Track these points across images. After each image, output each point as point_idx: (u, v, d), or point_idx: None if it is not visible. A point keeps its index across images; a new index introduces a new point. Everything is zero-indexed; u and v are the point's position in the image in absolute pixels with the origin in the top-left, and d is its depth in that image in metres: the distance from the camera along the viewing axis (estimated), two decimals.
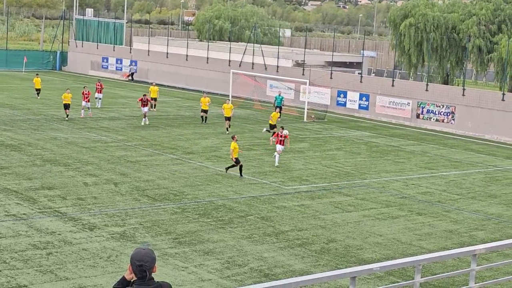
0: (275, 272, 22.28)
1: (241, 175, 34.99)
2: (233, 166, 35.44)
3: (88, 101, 51.36)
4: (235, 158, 35.01)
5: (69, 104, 49.34)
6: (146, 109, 50.06)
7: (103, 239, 24.28)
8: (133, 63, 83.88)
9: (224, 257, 23.26)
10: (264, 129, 47.79)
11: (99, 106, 56.48)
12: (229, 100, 54.03)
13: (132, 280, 8.07)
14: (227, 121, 48.24)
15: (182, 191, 31.62)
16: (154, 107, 57.05)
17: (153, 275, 8.08)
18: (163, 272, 20.90)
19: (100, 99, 57.26)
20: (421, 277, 10.95)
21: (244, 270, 22.26)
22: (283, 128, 40.36)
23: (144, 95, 51.08)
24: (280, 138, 39.13)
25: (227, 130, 47.72)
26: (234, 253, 23.75)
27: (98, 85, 57.39)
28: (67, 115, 49.39)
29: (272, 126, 47.22)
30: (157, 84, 61.59)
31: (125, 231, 25.26)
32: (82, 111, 51.31)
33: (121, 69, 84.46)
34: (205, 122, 52.29)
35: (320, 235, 26.46)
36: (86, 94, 51.11)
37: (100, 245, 23.59)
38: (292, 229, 27.05)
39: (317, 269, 22.47)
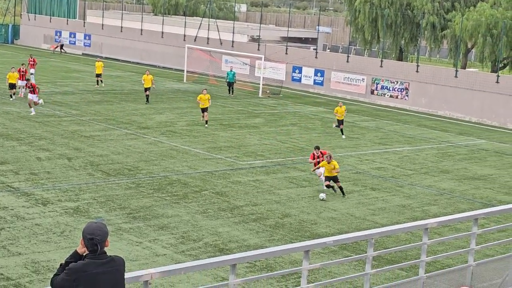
0: (229, 246, 22.32)
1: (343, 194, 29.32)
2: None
3: (24, 80, 47.28)
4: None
5: (14, 84, 46.57)
6: (32, 96, 42.81)
7: (56, 214, 24.09)
8: (57, 35, 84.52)
9: (179, 232, 23.23)
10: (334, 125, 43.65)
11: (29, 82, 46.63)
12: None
13: (84, 254, 8.02)
14: (205, 113, 42.28)
15: (137, 166, 31.47)
16: (102, 83, 55.65)
17: (106, 249, 8.04)
18: (117, 247, 20.81)
19: (32, 74, 53.21)
20: (374, 251, 11.06)
21: (199, 244, 22.26)
22: (317, 148, 30.47)
23: (22, 64, 49.49)
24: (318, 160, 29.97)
25: (206, 123, 42.14)
26: (189, 228, 23.74)
27: (31, 61, 54.67)
28: (12, 95, 46.52)
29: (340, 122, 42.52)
30: (110, 59, 60.92)
31: (78, 206, 25.09)
32: (20, 90, 47.78)
33: (74, 43, 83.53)
34: (148, 102, 48.76)
35: (274, 210, 26.55)
36: (23, 71, 47.86)
37: (53, 220, 23.41)
38: (247, 204, 27.10)
39: (271, 244, 22.56)
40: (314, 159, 29.81)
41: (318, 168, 29.31)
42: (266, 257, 10.84)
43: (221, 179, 30.35)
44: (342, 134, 42.17)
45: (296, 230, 24.49)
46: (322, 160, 28.99)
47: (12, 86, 46.63)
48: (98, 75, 55.58)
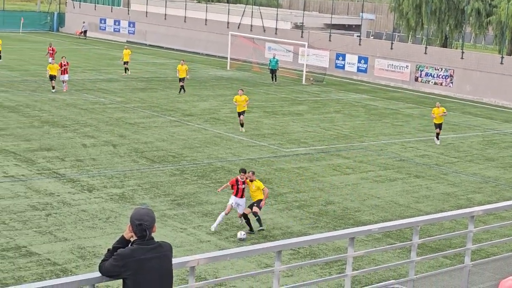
0: (273, 233, 22.38)
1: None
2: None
3: (65, 73, 45.23)
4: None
5: (54, 76, 44.81)
6: (65, 77, 45.36)
7: (102, 201, 24.35)
8: (84, 22, 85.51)
9: (223, 219, 23.31)
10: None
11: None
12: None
13: (132, 240, 8.10)
14: (241, 116, 37.25)
15: (181, 153, 31.66)
16: (128, 71, 54.33)
17: (152, 235, 8.11)
18: (162, 233, 20.99)
19: (50, 63, 48.41)
20: (419, 239, 11.02)
21: (243, 231, 22.33)
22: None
23: (63, 57, 46.15)
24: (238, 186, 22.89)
25: (242, 126, 37.13)
26: (233, 214, 23.82)
27: (50, 50, 53.80)
28: (53, 87, 44.86)
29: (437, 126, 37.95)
30: (154, 46, 61.03)
31: (123, 193, 25.33)
32: (64, 84, 45.51)
33: (119, 31, 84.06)
34: (184, 91, 47.58)
35: (318, 197, 26.55)
36: (64, 65, 44.93)
37: (99, 206, 23.67)
38: (291, 191, 27.14)
39: (315, 231, 22.57)
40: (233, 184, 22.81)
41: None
42: (311, 243, 10.87)
43: (264, 166, 30.40)
44: (437, 139, 37.47)
45: (340, 217, 24.47)
46: (242, 186, 22.52)
47: (52, 77, 44.80)
48: (125, 63, 54.48)
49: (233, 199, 22.51)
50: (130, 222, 8.07)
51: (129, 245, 8.08)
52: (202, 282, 9.44)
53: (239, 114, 37.24)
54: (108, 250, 8.19)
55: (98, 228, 21.72)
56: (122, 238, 8.20)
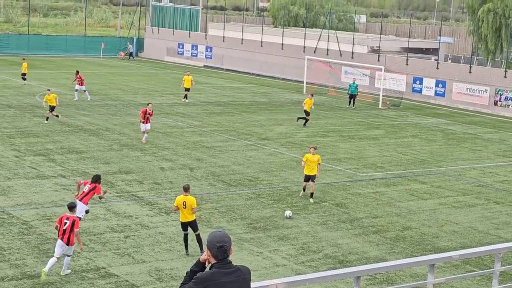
0: (349, 258, 22.24)
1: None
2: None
3: (147, 122, 37.88)
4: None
5: (54, 107, 41.56)
6: (147, 126, 37.88)
7: (179, 224, 24.53)
8: (129, 42, 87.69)
9: (299, 243, 23.31)
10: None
11: (76, 99, 50.08)
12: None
13: (211, 264, 8.15)
14: (310, 182, 28.74)
15: (257, 176, 31.76)
16: (186, 98, 53.32)
17: (230, 259, 8.15)
18: (239, 257, 21.06)
19: (77, 91, 50.53)
20: (500, 266, 10.81)
21: (319, 256, 22.28)
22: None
23: (148, 104, 38.99)
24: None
25: (311, 196, 28.56)
26: (309, 239, 23.78)
27: (78, 77, 50.92)
28: (48, 118, 41.65)
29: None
30: (230, 70, 61.47)
31: (200, 216, 25.51)
32: (145, 135, 37.95)
33: (196, 55, 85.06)
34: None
35: (395, 223, 26.29)
36: (149, 113, 37.77)
37: (176, 229, 23.88)
38: (367, 216, 26.94)
39: (392, 257, 22.35)
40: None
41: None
42: (389, 270, 10.73)
43: (341, 190, 30.28)
44: None
45: (417, 243, 24.17)
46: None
47: (52, 108, 41.65)
48: (187, 89, 53.36)
49: None
50: (208, 247, 8.11)
51: (209, 269, 8.14)
52: None
53: (308, 178, 28.55)
54: (187, 273, 8.27)
55: (175, 251, 21.92)
56: (199, 262, 8.27)
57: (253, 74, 76.21)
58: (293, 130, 43.95)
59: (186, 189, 21.60)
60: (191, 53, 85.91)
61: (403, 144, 41.82)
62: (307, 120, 45.38)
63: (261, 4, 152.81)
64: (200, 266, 8.25)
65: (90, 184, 23.16)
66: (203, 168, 32.64)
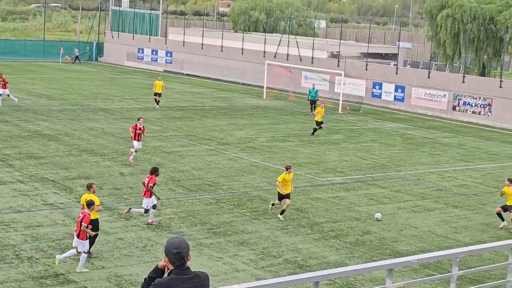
0: (309, 263, 22.28)
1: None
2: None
3: (139, 139, 35.01)
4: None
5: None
6: (139, 144, 35.11)
7: (138, 229, 24.44)
8: (75, 46, 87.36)
9: (259, 248, 23.31)
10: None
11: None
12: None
13: (168, 270, 8.12)
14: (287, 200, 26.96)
15: (217, 181, 31.71)
16: (157, 103, 53.18)
17: (188, 264, 8.13)
18: (198, 262, 21.00)
19: (0, 95, 48.80)
20: (458, 270, 10.88)
21: (279, 261, 22.29)
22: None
23: (139, 119, 35.84)
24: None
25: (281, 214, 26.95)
26: (269, 244, 23.79)
27: (1, 81, 48.91)
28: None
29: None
30: (190, 75, 61.40)
31: (160, 221, 25.40)
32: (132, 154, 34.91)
33: (156, 60, 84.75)
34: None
35: (354, 227, 26.40)
36: (140, 128, 34.72)
37: (135, 235, 23.75)
38: (327, 220, 27.02)
39: (351, 261, 22.43)
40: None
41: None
42: (348, 274, 10.74)
43: (300, 195, 30.33)
44: None
45: (377, 247, 24.29)
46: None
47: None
48: (157, 94, 53.43)
49: None
50: (165, 253, 8.08)
51: (167, 275, 8.10)
52: None
53: (282, 196, 26.93)
54: (145, 279, 8.22)
55: (134, 257, 21.78)
56: (157, 268, 8.24)
57: (213, 79, 76.13)
58: (253, 135, 43.96)
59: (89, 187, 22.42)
60: (151, 58, 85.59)
61: (363, 148, 42.04)
62: (316, 129, 45.17)
63: (221, 9, 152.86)
64: (158, 272, 8.22)
65: (147, 177, 24.98)
66: (163, 173, 32.45)
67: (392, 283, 9.96)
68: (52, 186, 29.20)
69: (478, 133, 51.80)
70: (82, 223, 20.47)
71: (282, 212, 26.92)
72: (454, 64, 74.62)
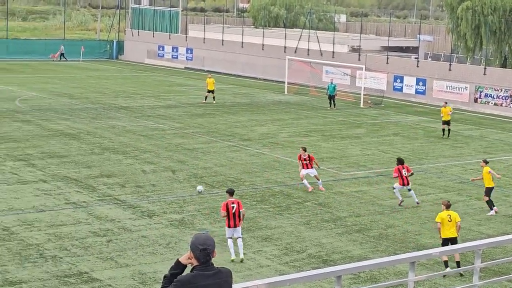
0: (333, 258, 22.28)
1: None
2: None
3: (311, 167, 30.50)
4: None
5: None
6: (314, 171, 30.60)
7: (162, 226, 24.53)
8: (61, 44, 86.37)
9: (282, 243, 23.33)
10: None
11: None
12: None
13: (192, 266, 8.12)
14: None
15: (240, 178, 31.75)
16: (214, 99, 54.44)
17: (213, 260, 8.13)
18: (222, 258, 21.04)
19: None
20: (481, 262, 10.85)
21: (302, 256, 22.31)
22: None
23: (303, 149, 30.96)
24: (304, 162, 29.91)
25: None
26: (292, 239, 23.80)
27: None
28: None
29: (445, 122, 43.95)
30: (211, 72, 61.51)
31: (183, 218, 25.48)
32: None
33: (177, 57, 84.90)
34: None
35: (378, 221, 26.35)
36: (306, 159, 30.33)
37: (159, 232, 23.84)
38: (350, 215, 26.99)
39: (375, 255, 22.40)
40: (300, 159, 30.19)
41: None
42: (371, 268, 10.78)
43: (323, 190, 30.27)
44: (444, 134, 37.71)
45: (400, 241, 24.24)
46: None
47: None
48: (210, 91, 54.50)
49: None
50: (191, 249, 8.07)
51: (190, 271, 8.11)
52: None
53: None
54: (164, 276, 8.22)
55: (158, 254, 21.88)
56: (179, 263, 8.21)
57: (234, 75, 76.15)
58: (274, 130, 43.95)
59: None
60: (172, 55, 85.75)
61: (385, 142, 41.93)
62: (445, 130, 44.50)
63: (241, 5, 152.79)
64: (180, 267, 8.23)
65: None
66: (185, 170, 32.58)
67: (415, 276, 9.95)
68: (74, 185, 29.37)
69: (500, 125, 51.48)
70: (241, 210, 21.65)
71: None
72: (475, 56, 74.20)
